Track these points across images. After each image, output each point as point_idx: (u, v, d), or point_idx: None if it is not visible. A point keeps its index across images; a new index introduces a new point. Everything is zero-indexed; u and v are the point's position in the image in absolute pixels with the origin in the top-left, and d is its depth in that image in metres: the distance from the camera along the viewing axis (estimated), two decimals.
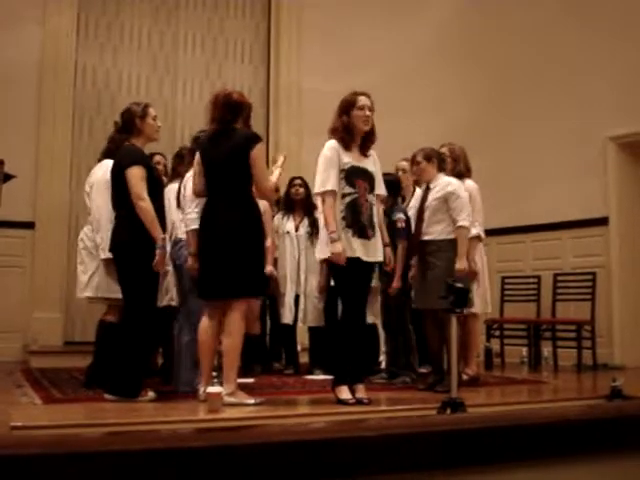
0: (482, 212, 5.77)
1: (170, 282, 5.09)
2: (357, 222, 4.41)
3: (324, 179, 4.42)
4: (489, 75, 8.45)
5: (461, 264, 5.02)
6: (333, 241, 4.32)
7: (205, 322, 4.43)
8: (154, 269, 4.35)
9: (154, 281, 4.46)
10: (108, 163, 4.92)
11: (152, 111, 4.63)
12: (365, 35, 8.54)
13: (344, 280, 4.46)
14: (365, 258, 4.43)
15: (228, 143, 4.38)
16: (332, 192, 4.39)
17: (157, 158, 5.71)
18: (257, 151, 4.35)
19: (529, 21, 8.18)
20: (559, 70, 7.79)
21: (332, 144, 4.48)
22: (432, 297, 4.82)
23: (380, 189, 4.63)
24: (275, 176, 4.64)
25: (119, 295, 4.64)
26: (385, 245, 4.70)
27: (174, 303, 5.11)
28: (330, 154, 4.44)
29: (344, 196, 4.42)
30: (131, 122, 4.55)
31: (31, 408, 4.22)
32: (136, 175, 4.37)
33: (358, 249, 4.40)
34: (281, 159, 4.84)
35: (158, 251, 4.33)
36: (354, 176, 4.44)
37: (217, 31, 8.50)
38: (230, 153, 4.36)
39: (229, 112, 4.43)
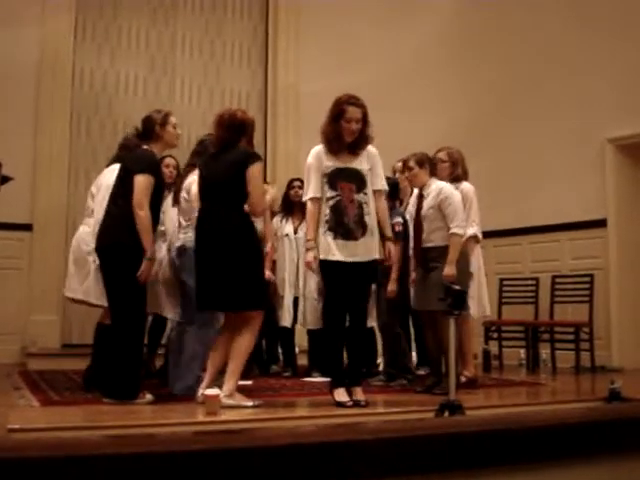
0: (479, 213, 5.77)
1: (161, 292, 5.06)
2: (341, 224, 4.43)
3: (307, 187, 4.55)
4: (489, 75, 8.45)
5: (450, 270, 5.02)
6: (307, 249, 4.48)
7: (221, 334, 4.50)
8: (138, 279, 4.34)
9: (142, 284, 4.44)
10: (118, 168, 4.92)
11: (173, 119, 4.67)
12: (364, 37, 8.54)
13: (327, 283, 4.54)
14: (350, 259, 4.43)
15: (227, 159, 4.43)
16: (313, 199, 4.48)
17: (167, 161, 5.70)
18: (254, 168, 4.38)
19: (529, 21, 8.19)
20: (559, 70, 7.79)
21: (315, 150, 4.57)
22: (431, 299, 4.83)
23: (378, 185, 4.60)
24: (270, 194, 4.72)
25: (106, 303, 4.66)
26: (387, 239, 4.65)
27: (162, 312, 5.09)
28: (312, 161, 4.54)
29: (327, 200, 4.47)
30: (151, 129, 4.59)
31: (29, 410, 4.21)
32: (143, 183, 4.38)
33: (340, 252, 4.41)
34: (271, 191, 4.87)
35: (145, 262, 4.34)
36: (337, 179, 4.47)
37: (215, 33, 8.49)
38: (228, 168, 4.40)
39: (234, 132, 4.49)
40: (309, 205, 4.51)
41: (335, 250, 4.41)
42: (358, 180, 4.51)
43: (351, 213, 4.45)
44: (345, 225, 4.43)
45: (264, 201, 4.54)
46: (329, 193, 4.47)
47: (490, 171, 7.71)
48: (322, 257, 4.43)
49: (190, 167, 5.06)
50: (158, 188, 4.51)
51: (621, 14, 7.31)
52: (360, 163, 4.54)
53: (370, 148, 4.60)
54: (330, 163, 4.49)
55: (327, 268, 4.45)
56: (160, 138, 4.60)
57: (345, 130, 4.48)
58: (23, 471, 1.56)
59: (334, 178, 4.47)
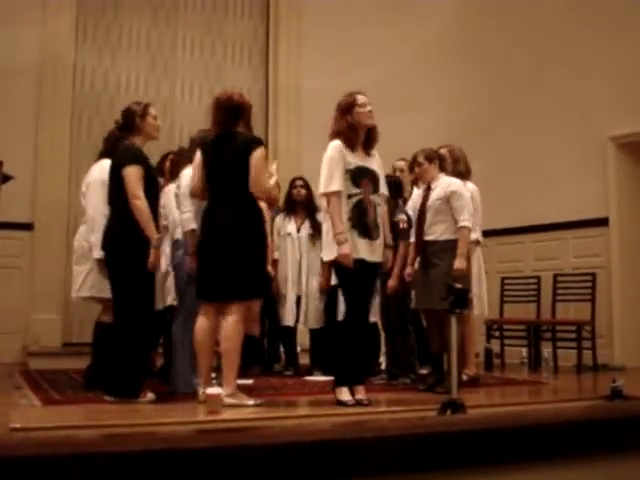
0: (481, 215, 5.76)
1: (172, 283, 5.09)
2: (363, 223, 4.40)
3: (329, 180, 4.40)
4: (489, 75, 8.45)
5: (460, 263, 5.02)
6: (340, 243, 4.30)
7: (201, 321, 4.42)
8: (148, 268, 4.35)
9: (147, 281, 4.44)
10: (104, 163, 4.93)
11: (152, 110, 4.65)
12: (364, 35, 8.53)
13: (349, 282, 4.44)
14: (369, 259, 4.42)
15: (230, 147, 4.40)
16: (337, 193, 4.38)
17: (171, 157, 5.70)
18: (257, 153, 4.36)
19: (529, 21, 8.18)
20: (559, 70, 7.79)
21: (336, 144, 4.46)
22: (433, 298, 4.83)
23: (384, 188, 4.63)
24: (273, 180, 4.66)
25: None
26: (386, 246, 4.67)
27: (176, 303, 5.11)
28: (334, 154, 4.42)
29: (350, 197, 4.41)
30: (131, 121, 4.58)
31: (30, 410, 4.22)
32: (133, 174, 4.38)
33: (362, 250, 4.39)
34: (274, 167, 4.83)
35: (153, 250, 4.34)
36: (360, 176, 4.43)
37: (216, 33, 8.49)
38: (232, 157, 4.37)
39: (231, 115, 4.45)
40: (333, 198, 4.36)
41: (360, 248, 4.38)
42: (375, 181, 4.51)
43: (371, 213, 4.44)
44: (367, 224, 4.41)
45: (264, 183, 4.43)
46: (352, 190, 4.42)
47: (492, 170, 7.70)
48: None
49: (186, 163, 5.01)
50: (150, 180, 4.50)
51: (621, 14, 7.30)
52: (374, 164, 4.54)
53: (375, 153, 4.60)
54: (352, 159, 4.44)
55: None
56: (141, 130, 4.58)
57: (363, 115, 4.46)
58: (25, 470, 1.56)
59: (357, 176, 4.43)
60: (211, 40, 8.47)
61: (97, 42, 7.99)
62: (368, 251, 4.41)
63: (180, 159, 5.21)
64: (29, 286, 7.25)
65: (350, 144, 4.47)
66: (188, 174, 4.74)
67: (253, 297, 4.45)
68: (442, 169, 5.36)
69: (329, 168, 4.41)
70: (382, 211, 4.62)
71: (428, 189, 5.32)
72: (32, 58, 7.42)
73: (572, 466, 2.08)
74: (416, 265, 5.33)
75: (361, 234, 4.39)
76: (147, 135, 4.65)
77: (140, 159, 4.47)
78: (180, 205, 4.85)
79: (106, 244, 4.53)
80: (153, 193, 4.53)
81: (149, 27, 8.22)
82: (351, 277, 4.39)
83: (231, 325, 4.28)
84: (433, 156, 5.33)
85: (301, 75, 8.45)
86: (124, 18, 8.10)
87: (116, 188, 4.48)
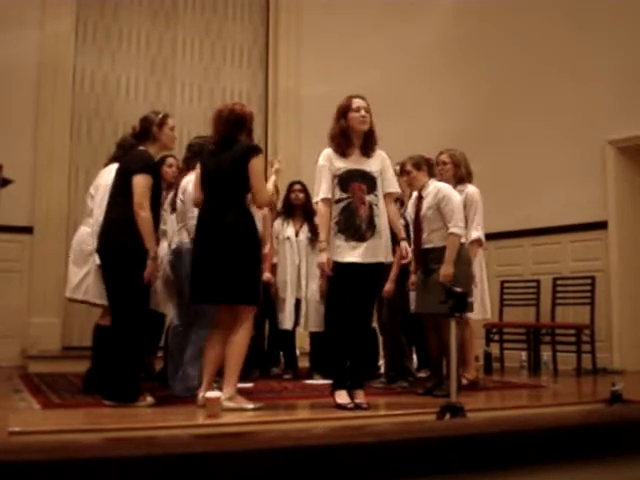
0: (482, 215, 5.76)
1: (159, 289, 5.07)
2: (352, 226, 4.41)
3: (317, 188, 4.50)
4: (488, 78, 8.46)
5: (447, 269, 5.01)
6: (320, 250, 4.42)
7: (214, 331, 4.45)
8: (144, 280, 4.33)
9: (143, 285, 4.43)
10: (115, 168, 4.92)
11: (171, 121, 4.65)
12: (364, 39, 8.54)
13: (334, 285, 4.49)
14: (361, 261, 4.41)
15: (228, 154, 4.42)
16: (324, 200, 4.45)
17: (170, 161, 5.69)
18: (256, 162, 4.38)
19: (528, 24, 8.19)
20: (558, 73, 7.80)
21: (325, 153, 4.53)
22: (432, 302, 4.82)
23: (390, 187, 4.60)
24: (271, 182, 4.68)
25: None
26: (401, 239, 4.64)
27: (160, 309, 5.10)
28: (322, 163, 4.50)
29: (338, 201, 4.44)
30: (148, 129, 4.57)
31: (29, 413, 4.21)
32: (143, 184, 4.36)
33: (352, 253, 4.39)
34: (276, 165, 4.84)
35: (149, 262, 4.33)
36: (348, 180, 4.45)
37: (215, 35, 8.50)
38: (230, 163, 4.39)
39: (233, 126, 4.48)
40: (321, 206, 4.46)
41: (347, 252, 4.39)
42: (369, 181, 4.49)
43: (363, 214, 4.43)
44: (356, 226, 4.41)
45: (267, 192, 4.49)
46: (339, 195, 4.44)
47: (491, 174, 7.70)
48: (333, 259, 4.39)
49: (185, 170, 5.05)
50: (156, 188, 4.50)
51: (620, 18, 7.31)
52: (371, 165, 4.53)
53: (381, 152, 4.61)
54: (341, 165, 4.46)
55: (337, 270, 4.39)
56: (157, 139, 4.58)
57: (355, 120, 4.47)
58: (23, 474, 1.56)
59: (345, 180, 4.45)
60: (211, 42, 8.48)
61: (97, 44, 8.00)
62: (359, 253, 4.41)
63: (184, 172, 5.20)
64: (29, 289, 7.24)
65: (342, 149, 4.49)
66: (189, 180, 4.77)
67: (248, 301, 4.43)
68: (431, 175, 5.35)
69: (318, 176, 4.51)
70: (391, 210, 4.59)
71: (420, 198, 5.32)
72: (31, 60, 7.42)
73: (571, 470, 2.08)
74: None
75: (349, 238, 4.40)
76: (162, 145, 4.65)
77: (151, 168, 4.46)
78: (187, 212, 4.84)
79: (101, 247, 4.52)
80: (156, 204, 4.52)
81: (149, 29, 8.23)
82: (338, 281, 4.43)
83: (240, 330, 4.31)
84: (421, 163, 5.32)
85: (300, 79, 8.46)
86: (124, 20, 8.11)
87: (120, 191, 4.46)
